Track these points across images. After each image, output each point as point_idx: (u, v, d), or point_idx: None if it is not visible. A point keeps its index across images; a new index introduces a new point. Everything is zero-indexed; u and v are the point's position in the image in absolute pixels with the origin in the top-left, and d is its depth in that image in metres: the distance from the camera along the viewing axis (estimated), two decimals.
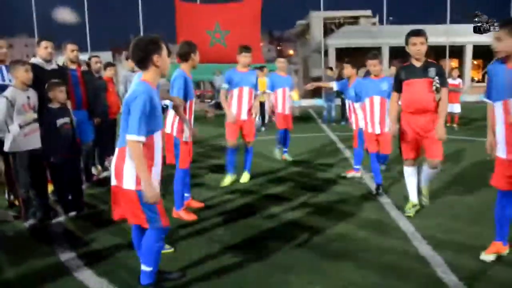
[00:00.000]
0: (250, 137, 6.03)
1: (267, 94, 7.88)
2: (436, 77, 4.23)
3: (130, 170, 2.72)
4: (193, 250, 3.67)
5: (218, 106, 20.47)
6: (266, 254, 3.57)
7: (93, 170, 6.40)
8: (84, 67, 6.18)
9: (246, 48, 5.82)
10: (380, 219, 4.44)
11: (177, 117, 4.38)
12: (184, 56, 4.44)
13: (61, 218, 4.61)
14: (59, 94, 4.62)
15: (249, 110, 5.91)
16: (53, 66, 5.13)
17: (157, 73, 2.82)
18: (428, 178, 4.66)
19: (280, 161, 7.53)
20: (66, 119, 4.68)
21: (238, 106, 5.85)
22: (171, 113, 4.46)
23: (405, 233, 3.99)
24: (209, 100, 19.47)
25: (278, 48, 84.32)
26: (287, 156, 7.71)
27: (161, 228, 2.86)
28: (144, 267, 2.91)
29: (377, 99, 5.36)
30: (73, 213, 4.70)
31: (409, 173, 4.64)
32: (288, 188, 5.76)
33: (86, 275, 3.26)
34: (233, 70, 5.92)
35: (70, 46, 5.63)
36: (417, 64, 4.31)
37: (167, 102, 4.64)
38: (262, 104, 12.23)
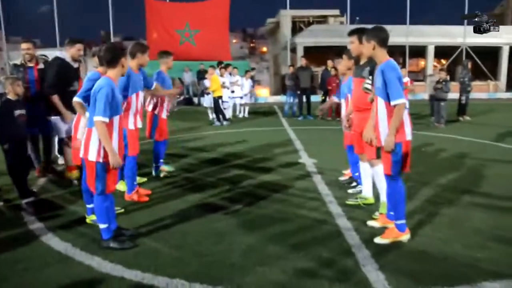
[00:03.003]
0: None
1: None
2: (370, 77, 4.14)
3: (95, 146, 3.52)
4: (145, 217, 4.38)
5: (188, 101, 21.04)
6: (203, 220, 4.33)
7: (60, 160, 6.85)
8: (40, 65, 6.15)
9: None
10: (306, 186, 5.17)
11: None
12: (131, 54, 5.08)
13: (30, 199, 5.14)
14: (16, 88, 5.18)
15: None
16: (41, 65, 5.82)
17: (120, 72, 3.62)
18: (378, 184, 4.26)
19: (240, 148, 8.17)
20: (22, 111, 5.26)
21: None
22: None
23: (324, 201, 4.84)
24: (178, 96, 19.91)
25: (251, 45, 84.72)
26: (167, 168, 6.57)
27: (105, 194, 3.61)
28: (100, 225, 3.67)
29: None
30: (28, 200, 5.10)
31: (362, 168, 4.78)
32: (235, 172, 6.45)
33: (53, 241, 3.88)
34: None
35: (23, 45, 5.95)
36: (362, 62, 4.42)
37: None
38: (216, 100, 12.40)
